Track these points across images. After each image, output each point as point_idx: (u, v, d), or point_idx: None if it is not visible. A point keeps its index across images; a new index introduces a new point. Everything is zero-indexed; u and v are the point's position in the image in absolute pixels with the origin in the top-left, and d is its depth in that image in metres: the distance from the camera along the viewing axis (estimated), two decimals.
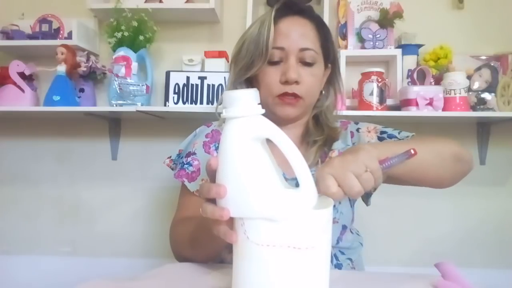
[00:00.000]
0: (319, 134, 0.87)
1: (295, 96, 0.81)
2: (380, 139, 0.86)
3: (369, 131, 0.88)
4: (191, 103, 1.51)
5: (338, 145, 0.88)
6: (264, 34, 0.81)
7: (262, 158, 0.47)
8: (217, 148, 0.89)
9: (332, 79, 0.91)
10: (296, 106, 0.83)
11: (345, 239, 0.84)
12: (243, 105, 0.47)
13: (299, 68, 0.81)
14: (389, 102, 1.48)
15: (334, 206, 0.78)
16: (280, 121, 0.88)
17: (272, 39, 0.80)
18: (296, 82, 0.81)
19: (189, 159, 0.88)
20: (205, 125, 0.95)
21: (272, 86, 0.82)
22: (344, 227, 0.84)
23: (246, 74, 0.84)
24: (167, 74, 1.53)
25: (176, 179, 0.88)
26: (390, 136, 0.85)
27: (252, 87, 0.87)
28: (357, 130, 0.89)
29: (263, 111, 0.48)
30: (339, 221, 0.82)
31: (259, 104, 0.48)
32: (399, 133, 0.85)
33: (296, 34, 0.82)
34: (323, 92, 0.91)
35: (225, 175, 0.47)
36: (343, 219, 0.83)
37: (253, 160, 0.46)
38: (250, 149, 0.47)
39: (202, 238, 0.68)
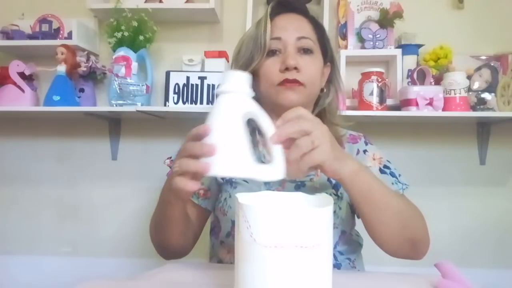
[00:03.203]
0: None
1: (296, 81, 0.82)
2: (382, 171, 0.86)
3: (374, 159, 0.88)
4: (191, 103, 1.51)
5: None
6: (261, 29, 0.83)
7: (245, 132, 0.53)
8: None
9: (332, 78, 0.92)
10: (298, 91, 0.82)
11: (343, 243, 0.83)
12: (238, 83, 0.54)
13: (298, 57, 0.82)
14: (389, 102, 1.48)
15: (335, 211, 0.78)
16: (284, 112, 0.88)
17: (269, 30, 0.82)
18: (296, 69, 0.81)
19: None
20: None
21: (272, 76, 0.83)
22: (343, 233, 0.83)
23: (249, 68, 0.85)
24: (167, 74, 1.53)
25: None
26: (393, 174, 0.86)
27: (253, 84, 0.88)
28: (364, 151, 0.89)
29: (253, 94, 0.56)
30: (338, 227, 0.82)
31: (251, 88, 0.55)
32: (399, 176, 0.85)
33: (292, 26, 0.84)
34: (324, 90, 0.91)
35: (215, 139, 0.52)
36: (343, 225, 0.82)
37: (241, 129, 0.53)
38: (240, 121, 0.53)
39: (163, 216, 0.73)
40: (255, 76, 0.86)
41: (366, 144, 0.91)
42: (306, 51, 0.83)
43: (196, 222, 0.86)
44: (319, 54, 0.87)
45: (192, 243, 0.85)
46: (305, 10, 0.89)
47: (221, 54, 1.54)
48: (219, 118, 0.53)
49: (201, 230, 0.89)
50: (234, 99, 0.54)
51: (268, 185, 0.83)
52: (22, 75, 1.53)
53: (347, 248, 0.84)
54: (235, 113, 0.53)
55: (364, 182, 0.66)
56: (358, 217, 0.86)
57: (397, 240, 0.72)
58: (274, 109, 0.88)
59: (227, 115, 0.53)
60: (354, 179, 0.64)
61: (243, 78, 0.55)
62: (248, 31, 0.88)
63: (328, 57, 0.90)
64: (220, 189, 0.86)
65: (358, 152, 0.89)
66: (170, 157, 0.94)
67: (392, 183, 0.84)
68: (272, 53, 0.83)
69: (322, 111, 0.91)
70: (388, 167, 0.87)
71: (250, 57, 0.84)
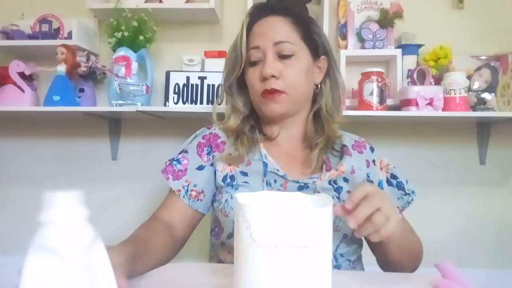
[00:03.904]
0: (320, 136, 0.86)
1: (276, 91, 0.81)
2: (389, 183, 0.87)
3: (381, 168, 0.88)
4: (191, 103, 1.51)
5: (351, 162, 0.85)
6: (239, 38, 0.84)
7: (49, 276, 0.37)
8: (209, 153, 0.88)
9: (329, 71, 0.90)
10: (279, 101, 0.82)
11: (344, 245, 0.83)
12: (61, 209, 0.39)
13: (277, 63, 0.82)
14: (389, 102, 1.48)
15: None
16: (273, 120, 0.88)
17: (245, 41, 0.83)
18: (275, 77, 0.81)
19: (180, 156, 0.88)
20: (206, 127, 0.95)
21: (254, 86, 0.84)
22: (345, 236, 0.83)
23: (231, 78, 0.88)
24: (167, 74, 1.53)
25: (162, 174, 0.86)
26: (399, 185, 0.87)
27: (245, 90, 0.89)
28: (374, 162, 0.89)
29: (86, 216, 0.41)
30: (340, 230, 0.81)
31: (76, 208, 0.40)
32: (406, 182, 0.88)
33: (269, 31, 0.84)
34: (319, 86, 0.90)
35: None
36: (345, 228, 0.81)
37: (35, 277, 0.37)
38: (37, 264, 0.37)
39: None
40: (245, 83, 0.88)
41: (372, 150, 0.91)
42: (284, 56, 0.82)
43: (185, 224, 0.84)
44: (304, 52, 0.85)
45: (175, 250, 0.82)
46: (284, 9, 0.87)
47: (221, 54, 1.54)
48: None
49: (190, 232, 0.87)
50: (39, 234, 0.39)
51: (270, 186, 0.82)
52: (22, 75, 1.53)
53: (348, 250, 0.84)
54: (39, 251, 0.38)
55: (401, 233, 0.72)
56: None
57: (404, 268, 0.79)
58: (263, 117, 0.89)
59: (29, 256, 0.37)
60: (398, 234, 0.69)
61: (68, 201, 0.39)
62: (234, 39, 0.88)
63: (320, 50, 0.88)
64: (220, 191, 0.85)
65: (368, 165, 0.88)
66: (170, 161, 0.90)
67: (398, 198, 0.85)
68: (254, 62, 0.84)
69: (319, 108, 0.89)
70: (395, 177, 0.87)
71: (232, 66, 0.86)
